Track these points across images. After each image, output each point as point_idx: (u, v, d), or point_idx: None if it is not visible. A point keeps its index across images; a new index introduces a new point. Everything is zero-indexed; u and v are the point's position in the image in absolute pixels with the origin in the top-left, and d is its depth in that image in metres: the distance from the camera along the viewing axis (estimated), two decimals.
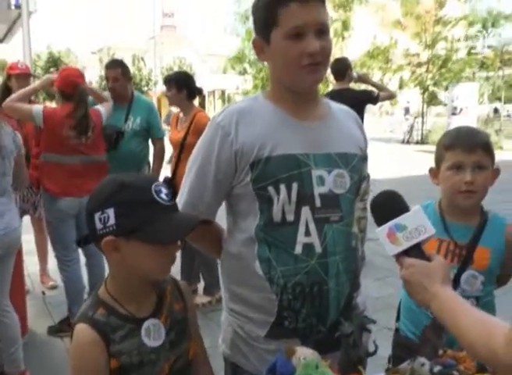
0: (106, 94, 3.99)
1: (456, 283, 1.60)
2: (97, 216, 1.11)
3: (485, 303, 1.62)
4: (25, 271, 3.93)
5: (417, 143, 20.31)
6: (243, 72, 21.94)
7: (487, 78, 21.32)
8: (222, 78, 27.96)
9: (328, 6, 18.32)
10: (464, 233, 1.63)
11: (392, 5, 20.59)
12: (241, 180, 1.32)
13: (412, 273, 1.06)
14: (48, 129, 3.33)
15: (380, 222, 1.12)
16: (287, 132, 1.33)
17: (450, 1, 19.39)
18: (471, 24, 19.19)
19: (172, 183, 3.79)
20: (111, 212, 1.09)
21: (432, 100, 21.27)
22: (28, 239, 4.26)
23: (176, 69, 37.35)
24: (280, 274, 1.31)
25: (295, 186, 1.29)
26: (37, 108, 3.35)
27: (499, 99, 29.07)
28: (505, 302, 1.90)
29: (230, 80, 26.29)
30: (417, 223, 1.07)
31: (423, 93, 20.72)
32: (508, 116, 30.51)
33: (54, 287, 4.33)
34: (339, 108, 1.50)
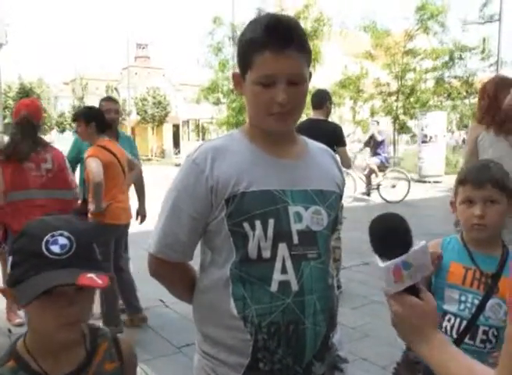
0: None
1: (480, 309, 1.63)
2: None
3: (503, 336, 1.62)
4: None
5: None
6: (217, 102, 22.09)
7: (454, 107, 21.92)
8: (196, 108, 28.16)
9: None
10: (489, 263, 1.68)
11: (362, 36, 21.19)
12: (216, 216, 1.29)
13: (410, 313, 1.01)
14: (8, 167, 3.25)
15: (382, 252, 1.01)
16: (263, 168, 1.32)
17: (419, 35, 20.04)
18: (438, 57, 19.83)
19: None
20: (11, 259, 1.07)
21: (402, 128, 21.73)
22: None
23: (149, 99, 37.51)
24: (255, 313, 1.26)
25: (271, 222, 1.27)
26: None
27: (467, 127, 29.91)
28: None
29: (204, 110, 26.47)
30: (421, 261, 1.00)
31: (394, 122, 21.18)
32: None
33: (21, 325, 4.15)
34: (316, 147, 1.50)
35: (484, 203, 1.62)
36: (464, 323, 1.64)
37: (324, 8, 19.89)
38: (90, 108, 4.17)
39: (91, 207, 3.74)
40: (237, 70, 1.36)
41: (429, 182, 15.90)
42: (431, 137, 16.42)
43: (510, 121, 3.20)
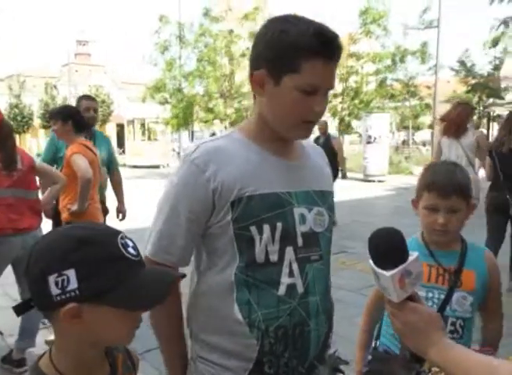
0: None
1: (446, 303, 1.69)
2: (51, 278, 0.90)
3: (468, 326, 1.72)
4: None
5: None
6: (164, 101, 21.75)
7: (395, 108, 22.66)
8: (142, 107, 27.61)
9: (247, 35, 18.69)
10: (450, 259, 1.73)
11: None
12: (219, 219, 1.24)
13: (418, 319, 1.04)
14: None
15: (385, 264, 1.04)
16: (268, 170, 1.29)
17: (363, 38, 20.57)
18: (380, 60, 20.41)
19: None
20: (71, 273, 0.90)
21: (346, 129, 22.25)
22: None
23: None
24: (261, 318, 1.23)
25: (279, 225, 1.24)
26: None
27: (407, 128, 31.01)
28: None
29: (150, 110, 25.98)
30: (418, 269, 1.06)
31: (339, 123, 21.63)
32: (415, 143, 32.67)
33: None
34: (311, 146, 1.49)
35: (447, 212, 1.67)
36: None
37: (273, 11, 20.04)
38: (67, 107, 4.10)
39: (72, 206, 3.63)
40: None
41: (373, 181, 16.35)
42: (375, 138, 16.90)
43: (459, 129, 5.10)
